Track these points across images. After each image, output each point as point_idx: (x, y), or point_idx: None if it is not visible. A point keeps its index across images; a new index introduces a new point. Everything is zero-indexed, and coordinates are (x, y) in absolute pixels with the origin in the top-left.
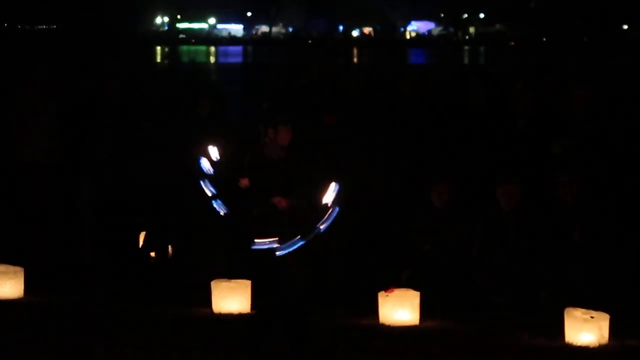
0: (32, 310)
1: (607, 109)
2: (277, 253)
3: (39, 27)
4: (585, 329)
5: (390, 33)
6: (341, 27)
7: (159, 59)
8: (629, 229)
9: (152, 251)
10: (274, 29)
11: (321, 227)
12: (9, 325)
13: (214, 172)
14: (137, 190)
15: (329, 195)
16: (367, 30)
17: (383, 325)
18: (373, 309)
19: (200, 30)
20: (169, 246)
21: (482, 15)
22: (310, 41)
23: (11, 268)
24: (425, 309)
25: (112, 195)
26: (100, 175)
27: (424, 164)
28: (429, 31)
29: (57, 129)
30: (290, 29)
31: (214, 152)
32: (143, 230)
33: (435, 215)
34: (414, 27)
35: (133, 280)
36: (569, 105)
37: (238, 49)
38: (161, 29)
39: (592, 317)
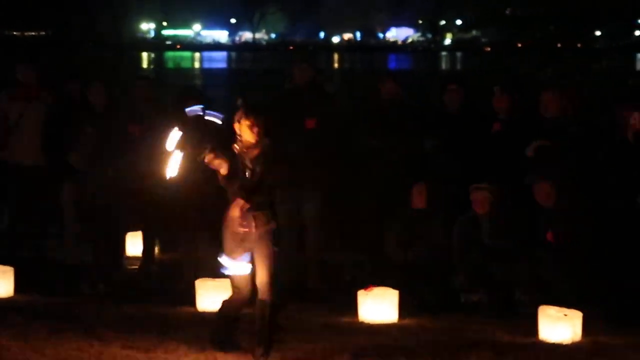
0: (21, 309)
1: (579, 112)
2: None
3: (28, 33)
4: (558, 326)
5: (369, 39)
6: (322, 34)
7: (145, 65)
8: (601, 230)
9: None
10: (258, 35)
11: None
12: (2, 326)
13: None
14: (124, 193)
15: None
16: (346, 36)
17: (362, 322)
18: (353, 307)
19: (185, 37)
20: (155, 247)
21: (459, 22)
22: (292, 47)
23: (1, 268)
24: (404, 307)
25: (96, 197)
26: (84, 177)
27: (403, 165)
28: (408, 37)
29: (43, 131)
30: (273, 36)
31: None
32: (128, 231)
33: (413, 216)
34: (393, 34)
35: (119, 280)
36: (542, 108)
37: (222, 54)
38: (147, 35)
39: (565, 315)
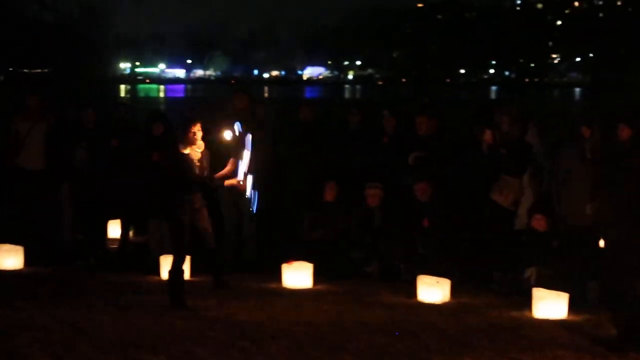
0: (29, 278)
1: (445, 131)
2: None
3: (35, 70)
4: (432, 290)
5: (291, 75)
6: (256, 71)
7: (123, 94)
8: (464, 217)
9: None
10: (207, 72)
11: None
12: (13, 289)
13: None
14: (106, 190)
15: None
16: (274, 73)
17: (285, 287)
18: (278, 276)
19: (153, 73)
20: (130, 231)
21: (358, 62)
22: (233, 81)
23: (13, 247)
24: (316, 276)
25: (86, 194)
26: (79, 179)
27: (317, 169)
28: (320, 74)
29: (46, 144)
30: (219, 73)
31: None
32: (110, 219)
33: (324, 206)
34: (309, 71)
35: (103, 256)
36: (418, 128)
37: (181, 86)
38: (124, 72)
39: (437, 282)
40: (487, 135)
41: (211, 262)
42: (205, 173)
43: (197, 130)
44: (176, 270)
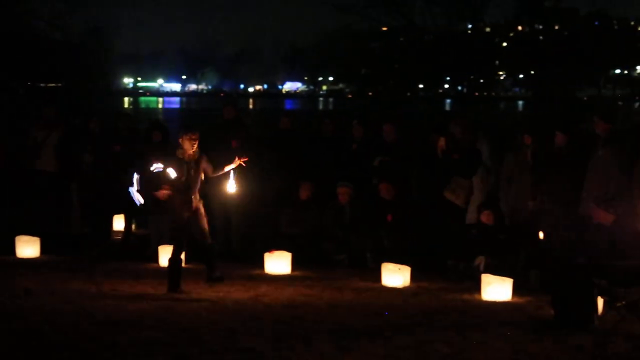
0: (45, 265)
1: (406, 138)
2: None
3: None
4: (395, 276)
5: (273, 89)
6: (242, 85)
7: (126, 105)
8: (423, 213)
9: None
10: (200, 86)
11: None
12: (30, 275)
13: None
14: (111, 190)
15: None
16: (257, 87)
17: (267, 274)
18: (261, 264)
19: (152, 87)
20: (132, 225)
21: (331, 78)
22: (222, 94)
23: (31, 238)
24: (295, 264)
25: (92, 192)
26: (86, 180)
27: (294, 171)
28: (297, 88)
29: (59, 149)
30: (210, 87)
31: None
32: (114, 214)
33: (300, 204)
34: (288, 86)
35: (109, 246)
36: (385, 134)
37: (177, 99)
38: (127, 86)
39: (399, 269)
40: (441, 143)
41: (207, 257)
42: (200, 177)
43: (188, 139)
44: (175, 259)
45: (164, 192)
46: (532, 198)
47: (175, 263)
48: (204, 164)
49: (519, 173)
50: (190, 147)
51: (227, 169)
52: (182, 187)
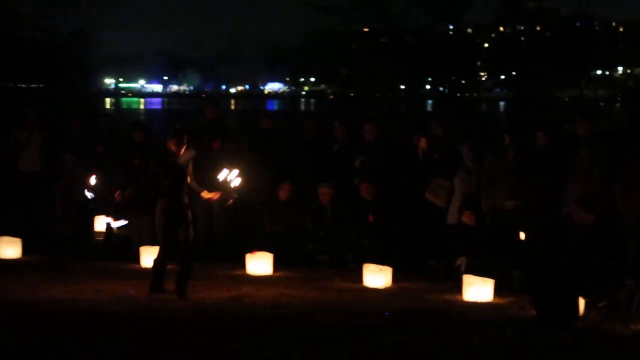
0: (26, 265)
1: (387, 138)
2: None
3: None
4: (376, 276)
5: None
6: (224, 86)
7: (108, 106)
8: (403, 214)
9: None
10: (181, 87)
11: None
12: (12, 275)
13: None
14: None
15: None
16: (240, 88)
17: (249, 274)
18: (243, 264)
19: (134, 88)
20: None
21: (312, 79)
22: (204, 95)
23: (13, 239)
24: (276, 265)
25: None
26: (69, 180)
27: (275, 171)
28: (279, 89)
29: (42, 150)
30: (192, 87)
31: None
32: (95, 215)
33: (280, 204)
34: (270, 86)
35: (91, 246)
36: (366, 134)
37: (158, 99)
38: (109, 87)
39: (380, 270)
40: (422, 143)
41: (181, 273)
42: (189, 178)
43: (173, 143)
44: (160, 261)
45: (213, 195)
46: (513, 198)
47: (159, 265)
48: (190, 169)
49: (500, 174)
50: (177, 151)
51: (203, 195)
52: (171, 191)
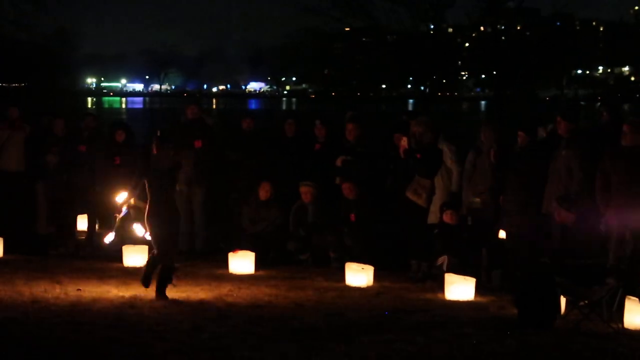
0: (7, 264)
1: (368, 137)
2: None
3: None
4: (358, 275)
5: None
6: (205, 85)
7: (89, 105)
8: (384, 213)
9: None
10: (163, 87)
11: None
12: None
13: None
14: (75, 190)
15: None
16: (221, 87)
17: (231, 273)
18: (225, 264)
19: (116, 87)
20: (96, 225)
21: (294, 78)
22: (185, 94)
23: None
24: (258, 264)
25: (57, 192)
26: (52, 179)
27: (256, 171)
28: (261, 88)
29: (24, 149)
30: (173, 87)
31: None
32: (78, 215)
33: (260, 204)
34: (252, 85)
35: (73, 245)
36: (347, 133)
37: (140, 99)
38: (91, 86)
39: (362, 268)
40: (403, 142)
41: (162, 276)
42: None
43: (159, 147)
44: (169, 268)
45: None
46: (478, 195)
47: (168, 271)
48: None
49: (481, 173)
50: (164, 156)
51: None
52: (164, 197)
